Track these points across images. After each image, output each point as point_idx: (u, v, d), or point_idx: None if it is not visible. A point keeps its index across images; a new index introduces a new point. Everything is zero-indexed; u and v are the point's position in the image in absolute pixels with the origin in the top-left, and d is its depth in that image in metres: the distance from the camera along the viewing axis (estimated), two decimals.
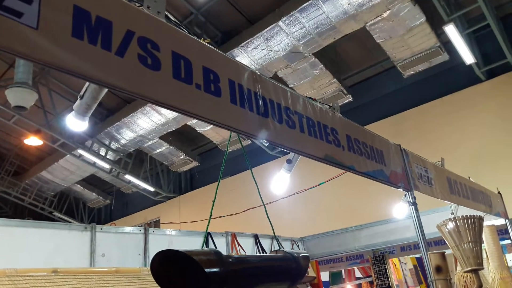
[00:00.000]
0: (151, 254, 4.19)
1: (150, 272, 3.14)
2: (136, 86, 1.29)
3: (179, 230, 4.74)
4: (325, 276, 10.21)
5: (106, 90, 2.07)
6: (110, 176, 13.64)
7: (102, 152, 12.16)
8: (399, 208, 4.48)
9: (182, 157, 13.29)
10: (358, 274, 10.68)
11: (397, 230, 5.71)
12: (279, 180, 3.49)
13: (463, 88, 9.09)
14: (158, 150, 12.77)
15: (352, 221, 6.74)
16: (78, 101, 2.11)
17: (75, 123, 2.24)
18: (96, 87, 1.95)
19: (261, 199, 2.15)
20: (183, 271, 1.41)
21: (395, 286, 7.72)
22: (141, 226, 4.50)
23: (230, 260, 1.47)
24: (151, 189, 13.98)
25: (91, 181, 15.38)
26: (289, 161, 3.20)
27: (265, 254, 1.69)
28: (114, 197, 16.06)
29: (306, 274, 6.00)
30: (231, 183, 12.87)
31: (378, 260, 7.86)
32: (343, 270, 10.81)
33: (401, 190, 2.77)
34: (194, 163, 13.58)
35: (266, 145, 11.68)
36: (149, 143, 12.18)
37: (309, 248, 6.44)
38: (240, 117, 1.62)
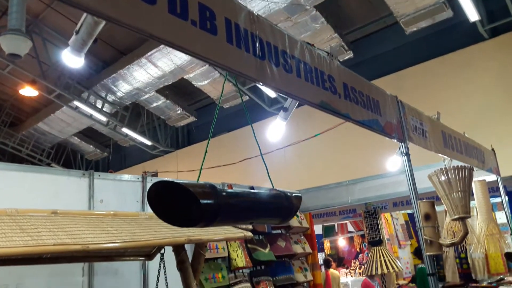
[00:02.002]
0: None
1: (148, 216, 3.23)
2: (131, 19, 1.27)
3: (176, 179, 4.81)
4: (318, 229, 10.53)
5: (101, 26, 2.03)
6: (107, 129, 13.65)
7: (99, 104, 12.10)
8: (392, 161, 4.55)
9: (179, 111, 13.25)
10: (350, 228, 11.02)
11: (390, 184, 5.81)
12: (274, 128, 3.50)
13: (465, 47, 8.97)
14: (155, 104, 12.71)
15: (346, 175, 6.85)
16: (73, 37, 2.09)
17: (71, 58, 2.21)
18: (91, 23, 1.92)
19: (259, 147, 2.18)
20: (179, 202, 1.45)
21: (386, 240, 7.98)
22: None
23: (224, 193, 1.52)
24: (148, 143, 14.05)
25: (88, 134, 15.40)
26: (285, 109, 3.20)
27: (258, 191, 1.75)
28: (111, 150, 16.16)
29: (300, 225, 6.18)
30: (228, 138, 12.94)
31: (371, 214, 8.08)
32: (335, 224, 11.14)
33: (395, 141, 2.80)
34: (191, 118, 13.57)
35: (266, 98, 11.64)
36: (146, 96, 12.10)
37: (303, 201, 6.58)
38: (236, 58, 1.60)
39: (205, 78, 11.33)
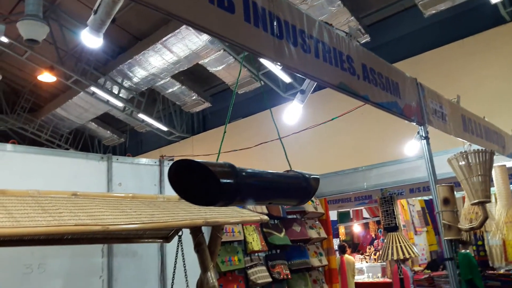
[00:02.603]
0: (167, 185, 4.34)
1: (165, 199, 3.27)
2: None
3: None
4: (333, 215, 10.52)
5: (119, 5, 2.03)
6: (124, 115, 13.78)
7: (115, 90, 12.20)
8: (410, 146, 4.48)
9: (194, 97, 13.28)
10: (365, 214, 10.99)
11: (407, 170, 5.75)
12: (291, 111, 3.47)
13: (485, 30, 8.71)
14: (170, 90, 12.75)
15: (362, 161, 6.80)
16: (92, 17, 2.09)
17: (90, 39, 2.22)
18: (109, 2, 1.92)
19: (277, 129, 2.17)
20: (198, 181, 1.46)
21: (402, 226, 7.94)
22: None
23: (244, 173, 1.52)
24: (164, 128, 14.15)
25: (105, 119, 15.58)
26: (302, 92, 3.16)
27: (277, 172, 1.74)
28: (128, 136, 16.35)
29: (315, 211, 6.19)
30: (243, 124, 12.93)
31: (386, 200, 8.03)
32: (350, 210, 11.12)
33: (414, 124, 2.76)
34: (207, 104, 13.60)
35: (281, 84, 11.57)
36: (161, 82, 12.14)
37: (319, 187, 6.58)
38: (254, 37, 1.59)
39: (220, 64, 11.30)
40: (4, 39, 9.89)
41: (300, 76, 1.89)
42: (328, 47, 1.96)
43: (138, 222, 2.47)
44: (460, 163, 2.73)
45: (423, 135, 2.78)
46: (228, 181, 1.40)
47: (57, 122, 14.73)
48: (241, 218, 3.36)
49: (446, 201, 2.60)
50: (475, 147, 3.88)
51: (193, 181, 1.47)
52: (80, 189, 3.00)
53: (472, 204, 2.68)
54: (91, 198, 2.75)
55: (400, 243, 5.60)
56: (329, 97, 8.56)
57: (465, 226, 2.65)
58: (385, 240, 6.06)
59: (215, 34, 1.48)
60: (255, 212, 3.50)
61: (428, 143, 2.78)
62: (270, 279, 5.11)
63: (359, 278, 8.93)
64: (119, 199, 2.92)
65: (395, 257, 5.56)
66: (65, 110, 13.78)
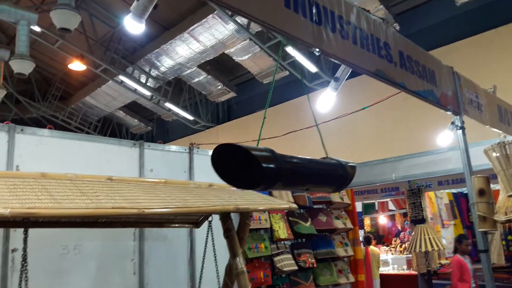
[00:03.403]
0: (196, 172, 4.41)
1: (196, 185, 3.33)
2: None
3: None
4: (358, 207, 10.44)
5: None
6: (151, 104, 13.99)
7: (143, 79, 12.38)
8: (443, 136, 4.39)
9: (219, 87, 13.35)
10: (391, 206, 10.86)
11: (438, 162, 5.64)
12: (325, 98, 3.44)
13: None
14: (196, 79, 12.85)
15: (391, 151, 6.69)
16: (135, 3, 2.13)
17: (133, 24, 2.27)
18: None
19: (314, 116, 2.17)
20: (240, 165, 1.48)
21: (429, 219, 7.82)
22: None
23: (284, 158, 1.53)
24: (190, 117, 14.30)
25: (133, 108, 15.86)
26: (336, 79, 3.12)
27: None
28: (155, 124, 16.60)
29: (341, 201, 6.16)
30: (268, 114, 12.93)
31: (414, 193, 7.90)
32: (376, 202, 11.01)
33: (449, 113, 2.70)
34: (232, 94, 13.64)
35: (308, 72, 11.47)
36: (188, 71, 12.25)
37: None
38: (293, 22, 1.58)
39: (246, 53, 11.30)
40: (37, 28, 10.15)
41: (337, 62, 1.88)
42: (366, 34, 1.94)
43: (172, 207, 2.53)
44: (497, 154, 2.67)
45: (459, 125, 2.73)
46: (269, 165, 1.41)
47: (86, 110, 15.09)
48: (270, 205, 3.39)
49: (481, 192, 2.55)
50: (510, 138, 3.78)
51: (234, 165, 1.49)
52: (113, 174, 3.09)
53: (509, 196, 2.61)
54: (126, 183, 2.83)
55: (428, 235, 5.52)
56: (357, 86, 8.44)
57: (501, 218, 2.60)
58: (413, 232, 5.99)
59: (255, 19, 1.48)
60: (283, 200, 3.52)
61: (464, 133, 2.73)
62: (296, 267, 5.14)
63: (384, 270, 8.88)
64: (152, 184, 2.99)
65: (423, 249, 5.49)
66: (94, 98, 14.10)
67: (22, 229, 3.19)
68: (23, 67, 7.28)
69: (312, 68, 10.74)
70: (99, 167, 3.53)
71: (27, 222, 2.48)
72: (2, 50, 8.61)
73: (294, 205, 3.38)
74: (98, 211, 2.17)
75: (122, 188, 2.65)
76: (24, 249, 2.30)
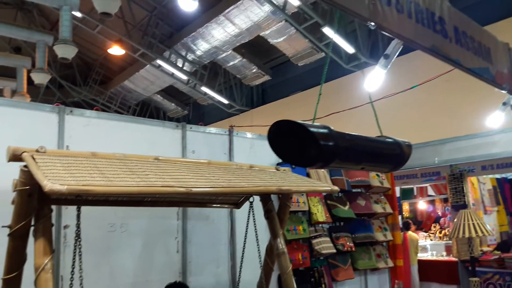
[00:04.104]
0: (235, 154, 4.44)
1: (238, 166, 3.35)
2: None
3: (259, 135, 4.89)
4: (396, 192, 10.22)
5: None
6: (188, 88, 14.17)
7: (179, 63, 12.53)
8: (493, 118, 4.20)
9: (254, 70, 13.32)
10: (430, 192, 10.58)
11: (483, 145, 5.42)
12: (373, 76, 3.35)
13: None
14: (231, 63, 12.88)
15: (433, 135, 6.48)
16: None
17: (186, 2, 2.28)
18: None
19: (369, 95, 2.11)
20: (296, 142, 1.47)
21: (471, 205, 7.56)
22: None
23: (342, 136, 1.51)
24: (225, 101, 14.39)
25: (170, 92, 16.14)
26: (386, 56, 3.02)
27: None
28: (191, 108, 16.84)
29: (381, 185, 6.05)
30: (302, 98, 12.78)
31: (456, 178, 7.65)
32: (414, 187, 10.75)
33: (505, 92, 2.57)
34: (266, 77, 13.60)
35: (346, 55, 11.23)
36: (223, 55, 12.28)
37: None
38: None
39: (281, 35, 11.18)
40: (78, 14, 10.42)
41: (392, 36, 1.82)
42: (421, 7, 1.86)
43: (217, 186, 2.56)
44: None
45: None
46: (327, 143, 1.39)
47: (125, 94, 15.49)
48: (312, 187, 3.37)
49: None
50: None
51: (291, 142, 1.48)
52: (158, 155, 3.15)
53: None
54: (172, 163, 2.88)
55: (472, 220, 5.35)
56: (397, 67, 8.18)
57: None
58: (456, 218, 5.81)
59: None
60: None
61: None
62: (334, 250, 5.13)
63: (422, 256, 8.71)
64: (197, 164, 3.03)
65: (466, 235, 5.33)
66: (132, 83, 14.43)
67: (72, 207, 3.34)
68: (66, 51, 7.52)
69: (349, 49, 10.51)
70: (143, 148, 3.62)
71: (79, 200, 2.58)
72: (46, 35, 8.91)
73: (336, 188, 3.34)
74: (148, 189, 2.23)
75: (169, 168, 2.70)
76: (78, 225, 2.40)
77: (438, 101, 8.71)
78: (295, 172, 4.08)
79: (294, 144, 1.50)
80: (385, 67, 3.13)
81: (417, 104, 8.98)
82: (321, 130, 1.45)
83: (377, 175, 6.09)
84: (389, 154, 1.78)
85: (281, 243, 3.40)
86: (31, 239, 2.33)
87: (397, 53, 3.07)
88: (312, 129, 1.40)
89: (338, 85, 10.82)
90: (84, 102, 15.62)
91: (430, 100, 8.83)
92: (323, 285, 5.04)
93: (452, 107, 8.39)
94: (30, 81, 9.67)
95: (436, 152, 5.73)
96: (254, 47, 12.95)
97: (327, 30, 9.93)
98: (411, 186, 10.26)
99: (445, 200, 9.43)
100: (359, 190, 5.95)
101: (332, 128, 1.51)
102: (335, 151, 1.44)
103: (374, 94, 4.04)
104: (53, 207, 2.48)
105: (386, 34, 1.68)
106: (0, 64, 9.60)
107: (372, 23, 1.62)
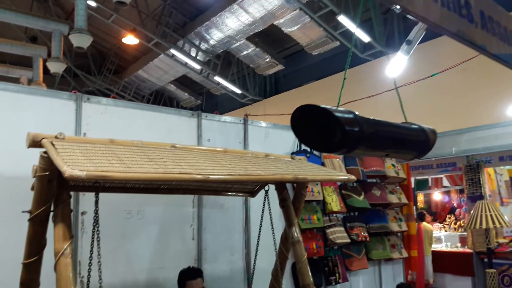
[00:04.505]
0: (250, 143, 4.43)
1: (254, 154, 3.34)
2: None
3: (274, 124, 4.87)
4: None
5: None
6: (201, 77, 14.17)
7: (193, 53, 12.51)
8: None
9: (267, 59, 13.24)
10: (445, 183, 10.45)
11: (502, 135, 5.31)
12: (395, 62, 3.28)
13: None
14: (245, 52, 12.81)
15: (450, 125, 6.36)
16: None
17: None
18: None
19: (394, 81, 2.07)
20: (320, 128, 1.45)
21: (487, 196, 7.45)
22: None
23: (367, 121, 1.48)
24: (238, 91, 14.36)
25: (184, 82, 16.16)
26: (408, 42, 2.95)
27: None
28: (204, 98, 16.85)
29: (397, 175, 5.99)
30: (316, 87, 12.67)
31: (472, 168, 7.55)
32: (429, 178, 10.63)
33: None
34: (279, 66, 13.50)
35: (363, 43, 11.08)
36: (237, 44, 12.22)
37: None
38: None
39: (295, 24, 11.07)
40: (92, 3, 10.46)
41: (416, 21, 1.77)
42: None
43: (234, 174, 2.55)
44: None
45: None
46: (352, 128, 1.37)
47: (139, 83, 15.56)
48: (328, 176, 3.34)
49: None
50: None
51: (314, 128, 1.46)
52: (174, 143, 3.15)
53: None
54: (189, 150, 2.88)
55: (490, 211, 5.27)
56: (420, 54, 8.01)
57: None
58: (473, 209, 5.73)
59: None
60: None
61: None
62: (348, 240, 5.11)
63: (436, 247, 8.64)
64: (213, 152, 3.03)
65: (483, 226, 5.26)
66: (146, 72, 14.48)
67: (89, 194, 3.38)
68: (82, 40, 7.57)
69: (365, 38, 10.35)
70: (159, 135, 3.63)
71: (97, 187, 2.60)
72: (62, 25, 8.97)
73: (353, 177, 3.30)
74: (166, 175, 2.23)
75: (186, 155, 2.70)
76: (96, 211, 2.41)
77: (456, 90, 8.54)
78: (310, 162, 4.06)
79: (318, 130, 1.47)
80: (408, 53, 3.06)
81: (434, 94, 8.81)
82: (346, 115, 1.42)
83: (393, 165, 6.03)
84: (414, 141, 1.74)
85: (296, 232, 3.40)
86: (50, 225, 2.36)
87: (420, 38, 3.01)
88: (337, 113, 1.37)
89: (353, 74, 10.68)
90: (99, 92, 15.75)
91: (448, 89, 8.66)
92: (337, 275, 5.03)
93: (470, 97, 8.23)
94: (45, 71, 9.77)
95: (454, 142, 5.63)
96: (268, 36, 12.86)
97: (342, 19, 9.79)
98: (426, 177, 10.15)
99: (461, 191, 9.32)
100: (374, 180, 5.91)
101: (357, 113, 1.48)
102: (360, 136, 1.41)
103: (392, 82, 3.98)
104: (71, 193, 2.50)
105: (411, 18, 1.63)
106: (17, 54, 9.71)
107: (398, 6, 1.57)
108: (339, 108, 1.45)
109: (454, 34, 1.82)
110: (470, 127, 5.69)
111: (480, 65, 8.05)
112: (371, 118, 1.53)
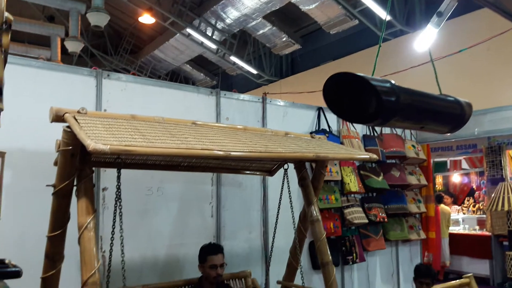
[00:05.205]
0: (269, 121, 4.40)
1: (273, 133, 3.31)
2: None
3: (293, 102, 4.82)
4: None
5: None
6: (216, 57, 14.07)
7: (209, 32, 12.40)
8: None
9: (284, 39, 13.03)
10: (464, 165, 10.29)
11: None
12: (425, 35, 3.16)
13: None
14: (261, 31, 12.63)
15: (475, 104, 6.17)
16: None
17: None
18: None
19: (430, 53, 1.99)
20: (356, 97, 1.40)
21: (508, 178, 7.31)
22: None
23: (404, 92, 1.42)
24: (254, 71, 14.23)
25: (199, 62, 16.09)
26: (439, 14, 2.83)
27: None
28: (220, 78, 16.78)
29: (416, 157, 5.90)
30: (333, 67, 12.47)
31: (494, 150, 7.40)
32: (448, 160, 10.46)
33: None
34: (296, 46, 13.29)
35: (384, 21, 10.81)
36: (253, 23, 12.04)
37: (420, 131, 6.16)
38: None
39: (313, 2, 10.82)
40: None
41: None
42: None
43: (254, 151, 2.53)
44: None
45: None
46: (389, 98, 1.31)
47: (155, 63, 15.55)
48: (349, 154, 3.30)
49: None
50: None
51: (347, 98, 1.41)
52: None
53: None
54: (209, 127, 2.87)
55: None
56: (445, 31, 7.77)
57: None
58: (495, 191, 5.63)
59: None
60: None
61: None
62: (366, 221, 5.09)
63: (454, 229, 8.57)
64: (233, 129, 3.01)
65: (506, 208, 5.17)
66: (162, 52, 14.44)
67: (110, 170, 3.41)
68: (99, 19, 7.55)
69: (384, 16, 10.08)
70: (179, 113, 3.62)
71: (119, 163, 2.61)
72: (79, 3, 8.96)
73: (374, 156, 3.25)
74: (189, 151, 2.22)
75: (207, 132, 2.69)
76: (118, 187, 2.43)
77: (480, 70, 8.29)
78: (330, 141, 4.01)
79: (351, 100, 1.42)
80: (438, 25, 2.94)
81: (457, 73, 8.56)
82: (383, 84, 1.36)
83: (413, 146, 5.94)
84: (450, 113, 1.67)
85: (315, 210, 3.39)
86: (73, 200, 2.39)
87: (451, 10, 2.88)
88: (373, 82, 1.32)
89: (372, 53, 10.47)
90: (115, 72, 15.81)
91: (471, 69, 8.42)
92: (354, 254, 5.03)
93: (494, 76, 7.99)
94: (62, 51, 9.82)
95: (477, 122, 5.47)
96: (285, 15, 12.64)
97: None
98: (445, 159, 10.00)
99: (481, 174, 9.17)
100: (393, 161, 5.83)
101: (393, 81, 1.42)
102: (396, 107, 1.36)
103: (417, 59, 3.87)
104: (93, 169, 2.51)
105: None
106: (36, 33, 9.76)
107: None
108: (377, 77, 1.39)
109: (491, 4, 1.74)
110: (493, 107, 5.52)
111: (504, 45, 7.79)
112: (408, 88, 1.47)
